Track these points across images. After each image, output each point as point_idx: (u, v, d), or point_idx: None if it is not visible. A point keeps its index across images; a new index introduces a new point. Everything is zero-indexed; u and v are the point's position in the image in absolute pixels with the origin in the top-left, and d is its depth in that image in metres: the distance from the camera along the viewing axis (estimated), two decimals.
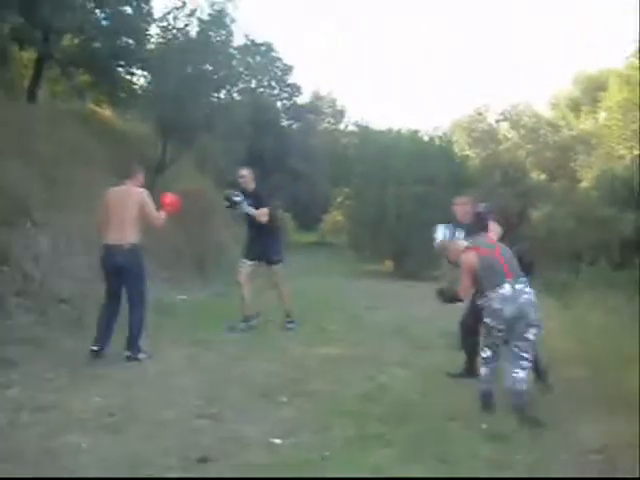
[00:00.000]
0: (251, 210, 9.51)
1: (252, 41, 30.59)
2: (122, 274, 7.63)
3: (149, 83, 18.62)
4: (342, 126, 42.25)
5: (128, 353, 7.39)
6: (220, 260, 16.69)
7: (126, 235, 7.58)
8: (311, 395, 6.35)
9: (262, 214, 9.44)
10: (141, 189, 7.90)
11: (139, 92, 18.70)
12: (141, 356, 7.43)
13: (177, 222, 16.59)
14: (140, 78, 18.90)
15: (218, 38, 18.40)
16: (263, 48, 31.40)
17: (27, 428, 5.15)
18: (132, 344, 7.48)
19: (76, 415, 5.47)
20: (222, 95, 20.05)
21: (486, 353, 6.03)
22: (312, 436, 5.23)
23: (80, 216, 12.49)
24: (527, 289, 5.90)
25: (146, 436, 5.06)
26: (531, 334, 5.77)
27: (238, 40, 23.86)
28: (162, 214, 8.02)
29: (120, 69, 17.77)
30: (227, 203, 9.75)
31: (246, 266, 9.69)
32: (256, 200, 9.56)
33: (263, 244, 9.61)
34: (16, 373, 6.59)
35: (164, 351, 7.91)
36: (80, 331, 8.37)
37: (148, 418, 5.46)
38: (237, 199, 9.57)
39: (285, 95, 32.50)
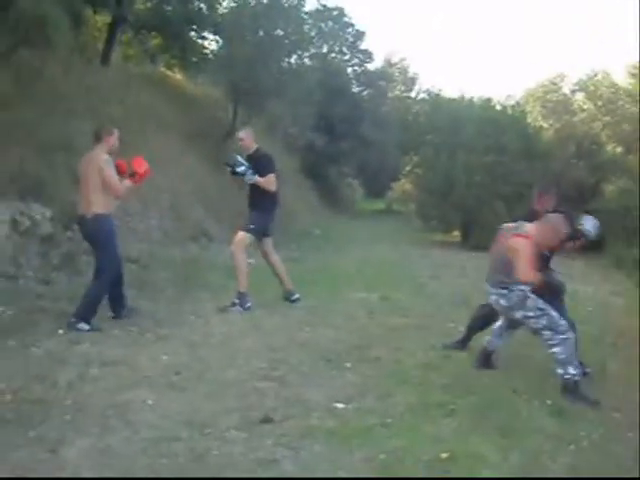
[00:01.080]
0: (256, 179, 8.56)
1: (324, 6, 30.43)
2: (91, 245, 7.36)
3: (220, 47, 18.69)
4: (413, 94, 41.86)
5: (73, 319, 6.78)
6: (290, 226, 16.74)
7: (89, 205, 7.03)
8: (374, 362, 6.33)
9: (269, 182, 8.59)
10: (103, 155, 7.11)
11: (210, 56, 18.81)
12: (81, 326, 6.73)
13: (246, 188, 16.73)
14: (212, 42, 19.01)
15: (290, 3, 18.34)
16: (335, 13, 31.14)
17: (95, 382, 5.26)
18: (80, 311, 6.85)
19: (143, 372, 5.57)
20: (293, 60, 20.04)
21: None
22: (374, 402, 5.21)
23: (152, 178, 12.66)
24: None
25: (210, 395, 5.12)
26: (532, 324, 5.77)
27: (310, 5, 23.79)
28: (125, 182, 7.22)
29: (192, 33, 17.90)
30: (229, 169, 8.78)
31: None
32: (258, 164, 8.63)
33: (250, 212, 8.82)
34: (84, 329, 6.72)
35: (230, 313, 7.98)
36: (148, 291, 8.50)
37: (212, 378, 5.53)
38: (240, 169, 8.61)
39: (356, 61, 32.21)
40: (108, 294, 7.24)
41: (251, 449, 4.21)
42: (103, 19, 17.65)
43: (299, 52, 20.80)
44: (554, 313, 5.69)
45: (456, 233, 22.13)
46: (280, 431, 4.51)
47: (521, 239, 5.79)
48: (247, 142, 8.78)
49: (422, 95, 36.10)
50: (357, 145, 27.12)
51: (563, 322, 5.66)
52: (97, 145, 7.18)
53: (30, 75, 11.12)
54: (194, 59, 18.91)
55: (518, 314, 5.82)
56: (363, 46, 32.50)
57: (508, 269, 5.77)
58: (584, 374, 5.87)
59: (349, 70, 31.61)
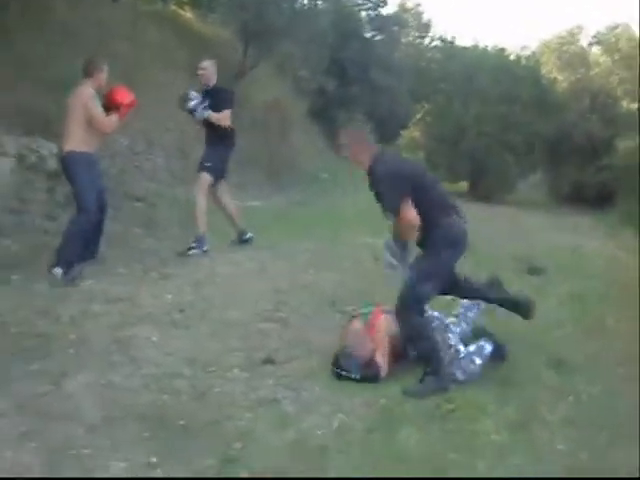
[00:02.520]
0: (209, 114, 7.99)
1: None
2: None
3: None
4: (427, 40, 41.21)
5: (53, 260, 6.31)
6: (297, 169, 16.65)
7: (67, 141, 6.67)
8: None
9: (222, 118, 8.05)
10: (89, 89, 6.71)
11: None
12: (56, 271, 6.22)
13: (254, 129, 16.60)
14: None
15: None
16: None
17: (98, 318, 5.28)
18: (57, 255, 6.35)
19: (146, 309, 5.59)
20: (305, 1, 19.68)
21: None
22: None
23: (159, 117, 12.58)
24: None
25: (213, 335, 5.15)
26: None
27: None
28: (114, 117, 6.78)
29: None
30: (182, 106, 8.14)
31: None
32: (216, 98, 8.05)
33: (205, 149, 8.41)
34: (90, 265, 6.71)
35: (235, 255, 7.97)
36: (153, 229, 8.49)
37: (216, 317, 5.55)
38: (190, 104, 7.98)
39: (370, 5, 31.64)
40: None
41: (252, 388, 4.23)
42: None
43: None
44: None
45: (464, 183, 22.02)
46: (282, 372, 4.53)
47: None
48: (208, 74, 8.26)
49: (436, 42, 35.52)
50: (367, 90, 26.70)
51: None
52: (85, 80, 6.79)
53: (38, 10, 10.95)
54: None
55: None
56: None
57: None
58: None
59: (362, 14, 31.10)
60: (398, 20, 35.16)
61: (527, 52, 24.07)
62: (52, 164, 8.54)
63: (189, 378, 4.30)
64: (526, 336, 5.76)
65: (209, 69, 8.31)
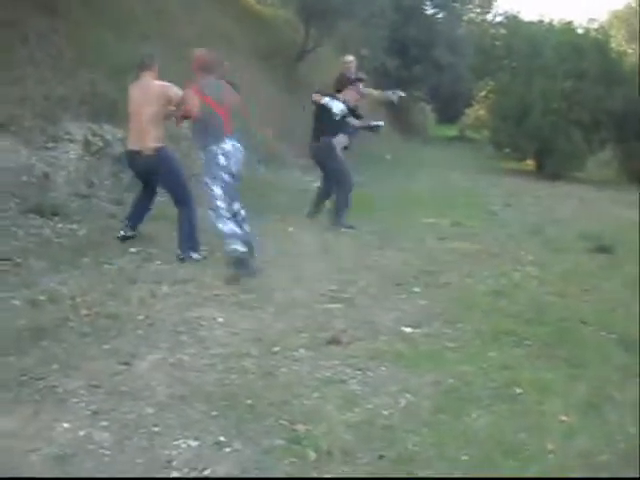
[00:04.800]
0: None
1: None
2: (153, 178, 7.01)
3: None
4: (490, 16, 40.49)
5: (178, 251, 6.57)
6: (361, 150, 16.55)
7: (147, 138, 6.70)
8: (444, 287, 6.30)
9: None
10: (163, 83, 6.80)
11: None
12: (194, 256, 6.57)
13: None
14: None
15: None
16: None
17: (166, 299, 5.35)
18: (181, 245, 6.63)
19: (212, 290, 5.64)
20: None
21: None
22: (443, 327, 5.20)
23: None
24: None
25: (279, 315, 5.17)
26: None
27: None
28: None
29: None
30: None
31: None
32: None
33: None
34: (155, 248, 6.81)
35: (299, 234, 8.00)
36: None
37: (282, 298, 5.56)
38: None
39: None
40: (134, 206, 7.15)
41: (318, 368, 4.24)
42: None
43: None
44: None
45: (530, 162, 21.63)
46: (348, 352, 4.53)
47: None
48: (352, 67, 9.66)
49: (499, 18, 34.88)
50: (430, 69, 26.50)
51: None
52: (146, 73, 6.83)
53: None
54: None
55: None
56: None
57: None
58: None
59: None
60: None
61: (595, 25, 23.34)
62: (117, 148, 8.68)
63: (255, 357, 4.32)
64: (594, 315, 5.67)
65: (352, 63, 9.78)
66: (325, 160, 8.87)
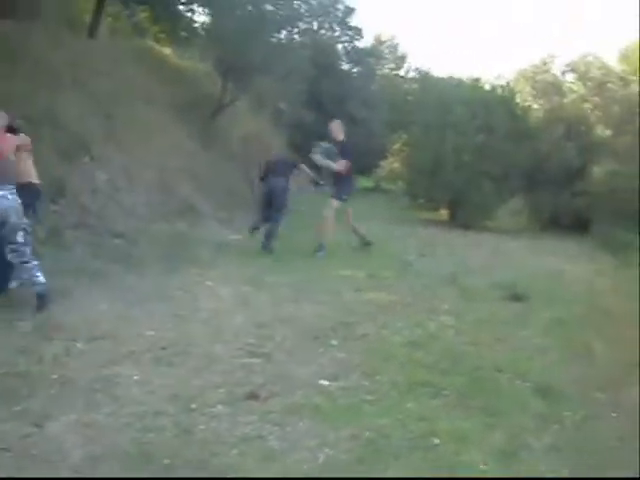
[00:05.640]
0: (327, 163, 11.62)
1: None
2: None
3: (209, 22, 18.50)
4: (402, 72, 41.63)
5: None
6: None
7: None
8: (360, 339, 6.35)
9: (339, 165, 11.44)
10: None
11: (199, 30, 18.62)
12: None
13: (234, 163, 16.66)
14: (200, 16, 18.81)
15: None
16: None
17: (81, 357, 5.25)
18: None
19: (129, 347, 5.55)
20: (282, 36, 19.85)
21: None
22: (360, 380, 5.23)
23: (139, 153, 12.59)
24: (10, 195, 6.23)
25: (196, 371, 5.12)
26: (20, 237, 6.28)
27: None
28: None
29: (181, 6, 17.70)
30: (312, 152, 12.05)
31: None
32: (342, 150, 11.57)
33: None
34: (71, 303, 6.68)
35: (217, 288, 7.96)
36: (134, 266, 8.46)
37: (199, 353, 5.53)
38: (315, 155, 11.81)
39: (346, 38, 31.97)
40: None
41: (237, 425, 4.22)
42: None
43: (288, 28, 20.60)
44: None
45: (443, 211, 22.13)
46: (266, 408, 4.52)
47: None
48: (335, 131, 12.04)
49: (412, 74, 35.95)
50: (345, 122, 26.92)
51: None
52: None
53: (15, 47, 10.98)
54: (183, 33, 18.73)
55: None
56: (353, 23, 32.29)
57: None
58: None
59: (339, 47, 31.41)
60: (374, 52, 35.59)
61: (502, 81, 24.21)
62: None
63: (172, 415, 4.27)
64: (511, 363, 5.81)
65: (335, 127, 12.05)
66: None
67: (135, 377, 4.89)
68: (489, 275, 10.10)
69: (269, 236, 11.00)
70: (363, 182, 38.61)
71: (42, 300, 6.42)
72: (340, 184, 11.54)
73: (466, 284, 9.33)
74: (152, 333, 5.98)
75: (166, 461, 3.67)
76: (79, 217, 9.52)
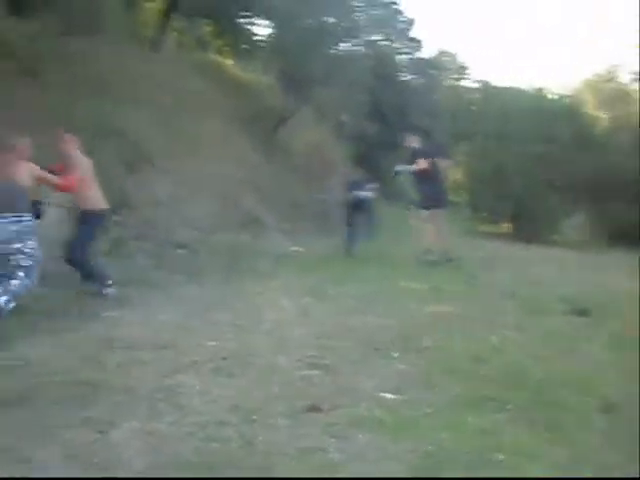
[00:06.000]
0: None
1: None
2: None
3: (271, 35, 18.67)
4: (465, 82, 41.39)
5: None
6: (340, 215, 16.69)
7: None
8: (422, 351, 6.26)
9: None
10: None
11: (261, 44, 18.81)
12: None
13: (296, 175, 16.74)
14: (263, 29, 19.02)
15: None
16: (385, 0, 30.87)
17: (144, 366, 5.30)
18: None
19: (191, 357, 5.59)
20: (344, 47, 19.91)
21: None
22: (422, 393, 5.14)
23: (202, 165, 12.75)
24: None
25: (258, 382, 5.12)
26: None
27: None
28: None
29: (244, 20, 17.92)
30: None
31: None
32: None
33: None
34: (134, 313, 6.78)
35: (278, 299, 7.98)
36: (196, 276, 8.54)
37: (260, 364, 5.52)
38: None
39: (407, 50, 31.94)
40: None
41: (298, 437, 4.18)
42: (157, 6, 17.80)
43: (350, 39, 20.66)
44: None
45: (506, 224, 21.86)
46: (327, 420, 4.48)
47: None
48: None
49: (474, 84, 35.65)
50: (408, 134, 26.90)
51: None
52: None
53: (83, 61, 11.24)
54: (245, 46, 18.95)
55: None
56: (413, 34, 32.21)
57: None
58: None
59: (400, 58, 31.36)
60: (435, 63, 35.44)
61: (567, 91, 23.92)
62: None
63: (234, 426, 4.27)
64: (574, 378, 5.67)
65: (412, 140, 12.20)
66: None
67: (197, 387, 4.91)
68: (552, 289, 9.90)
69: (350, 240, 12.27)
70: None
71: None
72: (422, 192, 11.83)
73: (529, 298, 9.16)
74: (213, 343, 6.01)
75: (228, 471, 3.67)
76: (142, 228, 9.68)
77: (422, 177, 11.60)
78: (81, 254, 7.45)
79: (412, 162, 11.72)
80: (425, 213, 11.63)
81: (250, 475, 3.69)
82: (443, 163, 11.92)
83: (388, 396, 5.02)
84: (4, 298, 6.13)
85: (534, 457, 4.07)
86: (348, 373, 5.49)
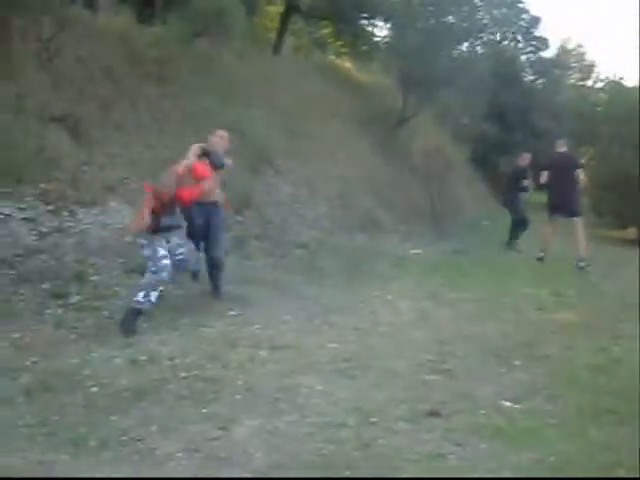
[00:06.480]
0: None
1: None
2: None
3: (391, 35, 18.62)
4: (590, 82, 40.12)
5: None
6: (458, 217, 16.51)
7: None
8: (543, 360, 6.10)
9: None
10: None
11: (380, 44, 18.79)
12: None
13: (415, 177, 16.65)
14: (382, 30, 19.00)
15: None
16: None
17: (265, 365, 5.40)
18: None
19: (311, 357, 5.65)
20: (464, 48, 19.67)
21: None
22: (543, 403, 5.02)
23: (321, 166, 12.86)
24: None
25: (378, 384, 5.12)
26: None
27: None
28: None
29: (363, 21, 17.94)
30: None
31: None
32: None
33: None
34: (254, 312, 6.91)
35: (397, 302, 7.96)
36: (315, 277, 8.61)
37: (381, 367, 5.52)
38: None
39: (530, 49, 31.17)
40: None
41: (417, 441, 4.16)
42: (276, 9, 18.08)
43: (471, 40, 20.41)
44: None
45: (632, 230, 21.03)
46: (447, 425, 4.43)
47: None
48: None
49: (600, 84, 34.51)
50: (529, 135, 26.27)
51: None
52: None
53: (207, 64, 11.53)
54: (364, 47, 18.98)
55: None
56: (538, 33, 31.40)
57: None
58: None
59: (523, 58, 30.65)
60: (559, 63, 34.49)
61: None
62: None
63: (353, 428, 4.28)
64: None
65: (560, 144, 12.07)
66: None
67: (317, 387, 4.95)
68: None
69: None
70: (546, 197, 37.54)
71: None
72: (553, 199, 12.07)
73: None
74: (334, 345, 6.06)
75: (346, 473, 3.68)
76: (262, 228, 9.84)
77: (552, 185, 11.78)
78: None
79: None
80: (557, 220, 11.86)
81: (368, 474, 3.69)
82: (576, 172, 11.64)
83: (508, 404, 4.93)
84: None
85: None
86: (468, 379, 5.42)
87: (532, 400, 5.06)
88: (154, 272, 6.22)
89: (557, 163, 11.79)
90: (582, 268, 11.10)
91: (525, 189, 14.05)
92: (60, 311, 6.26)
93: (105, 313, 6.40)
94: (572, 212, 11.68)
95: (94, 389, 4.66)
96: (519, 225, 13.97)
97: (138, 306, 6.10)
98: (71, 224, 7.45)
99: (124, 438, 3.95)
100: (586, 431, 4.50)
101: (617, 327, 7.56)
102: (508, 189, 14.43)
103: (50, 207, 7.35)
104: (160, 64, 10.29)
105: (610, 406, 4.95)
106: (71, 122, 8.25)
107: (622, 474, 3.90)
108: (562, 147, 12.02)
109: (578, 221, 11.62)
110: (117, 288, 7.02)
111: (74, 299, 6.53)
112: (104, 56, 9.46)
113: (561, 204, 11.70)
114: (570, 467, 3.95)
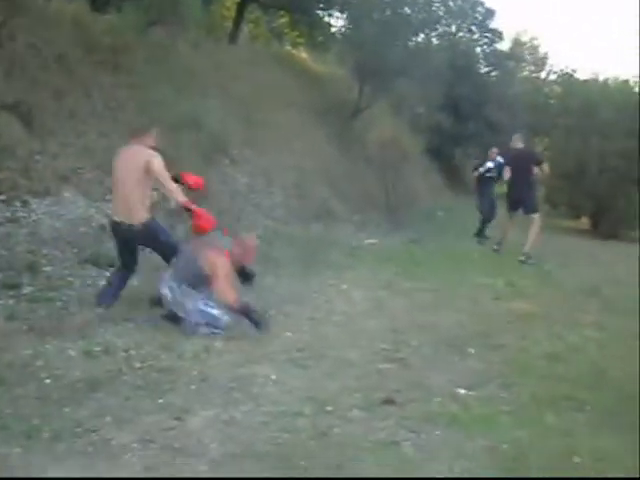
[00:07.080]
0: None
1: None
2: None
3: (347, 26, 18.60)
4: (544, 74, 40.57)
5: None
6: (413, 207, 16.58)
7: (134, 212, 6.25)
8: (498, 349, 6.17)
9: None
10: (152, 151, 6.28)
11: (336, 35, 18.77)
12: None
13: (370, 168, 16.69)
14: (338, 21, 18.98)
15: None
16: None
17: (220, 355, 5.37)
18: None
19: (266, 347, 5.64)
20: (420, 39, 19.72)
21: None
22: (498, 390, 5.08)
23: (277, 156, 12.82)
24: None
25: (332, 374, 5.13)
26: None
27: None
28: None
29: (319, 11, 17.90)
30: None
31: None
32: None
33: None
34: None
35: (352, 293, 7.97)
36: (272, 267, 8.58)
37: (335, 357, 5.53)
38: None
39: (485, 41, 31.36)
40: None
41: (372, 430, 4.18)
42: None
43: (426, 31, 20.46)
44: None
45: (585, 220, 21.38)
46: (402, 413, 4.46)
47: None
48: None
49: (553, 76, 34.89)
50: (483, 127, 26.50)
51: None
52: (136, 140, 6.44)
53: (162, 53, 11.40)
54: (320, 38, 18.95)
55: None
56: (493, 25, 31.59)
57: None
58: None
59: (477, 50, 30.84)
60: (513, 55, 34.78)
61: None
62: (174, 202, 8.80)
63: (308, 417, 4.28)
64: None
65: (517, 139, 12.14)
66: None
67: (272, 377, 4.95)
68: (634, 287, 9.62)
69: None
70: (500, 188, 37.97)
71: None
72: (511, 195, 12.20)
73: (609, 296, 8.93)
74: (289, 334, 6.06)
75: (302, 463, 3.68)
76: (218, 218, 9.73)
77: (511, 181, 11.90)
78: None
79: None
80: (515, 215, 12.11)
81: (324, 465, 3.69)
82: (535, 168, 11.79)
83: (463, 392, 4.97)
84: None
85: (615, 461, 3.97)
86: (422, 368, 5.46)
87: (486, 388, 5.11)
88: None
89: (515, 159, 11.85)
90: (522, 262, 11.18)
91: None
92: (12, 302, 6.13)
93: (58, 304, 6.28)
94: (530, 209, 11.78)
95: (47, 381, 4.58)
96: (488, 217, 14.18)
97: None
98: (24, 214, 7.31)
99: (78, 429, 3.90)
100: (541, 418, 4.57)
101: (574, 315, 7.68)
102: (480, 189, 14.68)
103: (2, 197, 7.22)
104: (115, 52, 10.13)
105: (567, 393, 5.03)
106: (23, 110, 8.07)
107: (577, 460, 3.96)
108: (518, 142, 12.10)
109: (536, 218, 11.71)
110: (70, 279, 6.91)
111: (27, 290, 6.40)
112: (57, 43, 9.28)
113: (520, 200, 11.79)
114: (523, 454, 4.00)
